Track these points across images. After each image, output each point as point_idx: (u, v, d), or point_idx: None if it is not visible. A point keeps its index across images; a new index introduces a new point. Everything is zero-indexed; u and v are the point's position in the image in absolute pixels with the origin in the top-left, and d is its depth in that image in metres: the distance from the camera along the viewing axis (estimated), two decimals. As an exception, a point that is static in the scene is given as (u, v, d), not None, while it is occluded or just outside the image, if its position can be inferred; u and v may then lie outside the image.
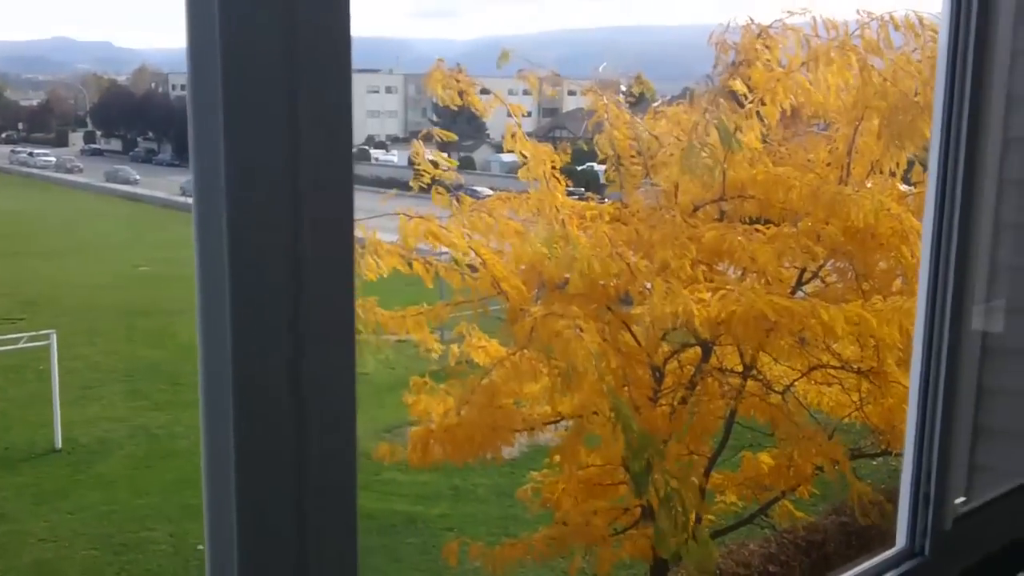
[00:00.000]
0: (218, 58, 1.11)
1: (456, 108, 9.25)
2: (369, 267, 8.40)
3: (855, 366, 9.05)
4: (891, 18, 8.15)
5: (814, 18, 8.26)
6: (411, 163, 9.06)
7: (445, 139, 9.50)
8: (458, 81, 9.09)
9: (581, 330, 7.63)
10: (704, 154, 8.21)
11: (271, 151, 1.15)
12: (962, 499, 2.63)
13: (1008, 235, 3.05)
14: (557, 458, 9.20)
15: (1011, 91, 2.93)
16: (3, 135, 59.79)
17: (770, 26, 8.50)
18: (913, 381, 2.53)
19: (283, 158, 1.16)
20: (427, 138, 9.25)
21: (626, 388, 8.65)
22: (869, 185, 8.64)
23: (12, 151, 54.70)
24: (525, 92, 9.70)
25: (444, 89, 8.94)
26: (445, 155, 9.48)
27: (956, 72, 2.40)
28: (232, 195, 1.13)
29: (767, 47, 8.53)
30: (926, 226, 2.49)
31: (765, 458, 9.47)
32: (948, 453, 2.49)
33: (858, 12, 8.24)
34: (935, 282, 2.46)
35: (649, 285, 8.26)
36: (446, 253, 8.98)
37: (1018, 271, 3.12)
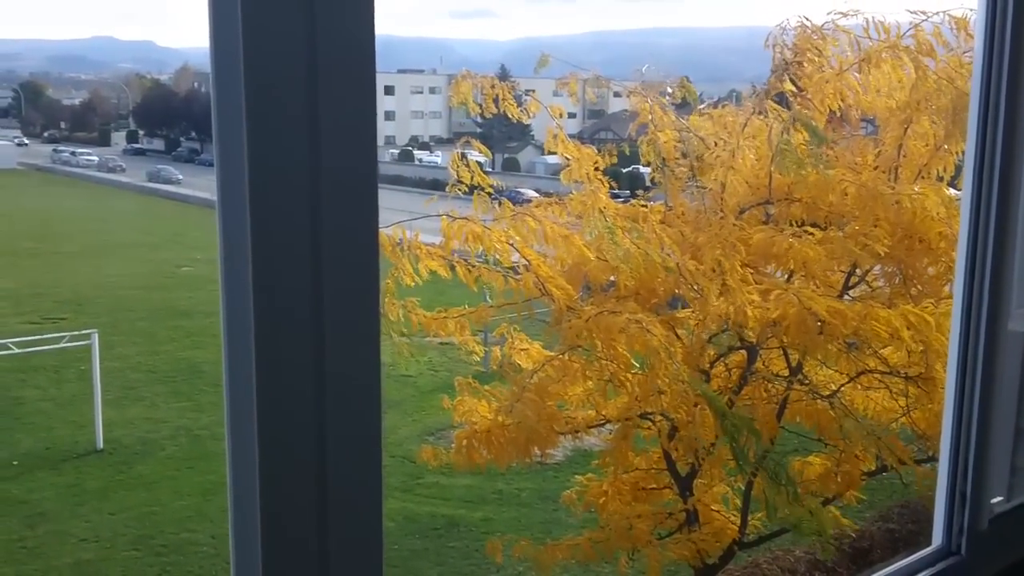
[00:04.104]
0: (240, 62, 1.11)
1: (499, 112, 9.22)
2: (406, 271, 8.41)
3: (903, 371, 8.94)
4: (947, 17, 8.04)
5: (866, 19, 8.17)
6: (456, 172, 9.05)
7: (483, 153, 9.48)
8: (493, 87, 9.06)
9: (640, 323, 7.66)
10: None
11: (293, 152, 1.16)
12: (999, 499, 2.60)
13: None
14: (608, 460, 9.17)
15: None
16: (45, 134, 60.26)
17: (822, 26, 8.43)
18: (950, 382, 2.54)
19: (306, 159, 1.16)
20: (467, 144, 9.24)
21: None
22: (917, 189, 8.54)
23: (54, 150, 55.14)
24: (570, 93, 9.66)
25: (473, 99, 8.93)
26: (488, 159, 9.46)
27: (992, 75, 2.38)
28: (255, 196, 1.14)
29: (818, 49, 8.46)
30: (962, 229, 2.48)
31: (816, 460, 9.38)
32: (984, 453, 2.49)
33: (911, 12, 8.14)
34: (971, 284, 2.45)
35: (696, 287, 8.22)
36: (481, 257, 8.97)
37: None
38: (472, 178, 8.84)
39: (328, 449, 1.23)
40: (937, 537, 2.55)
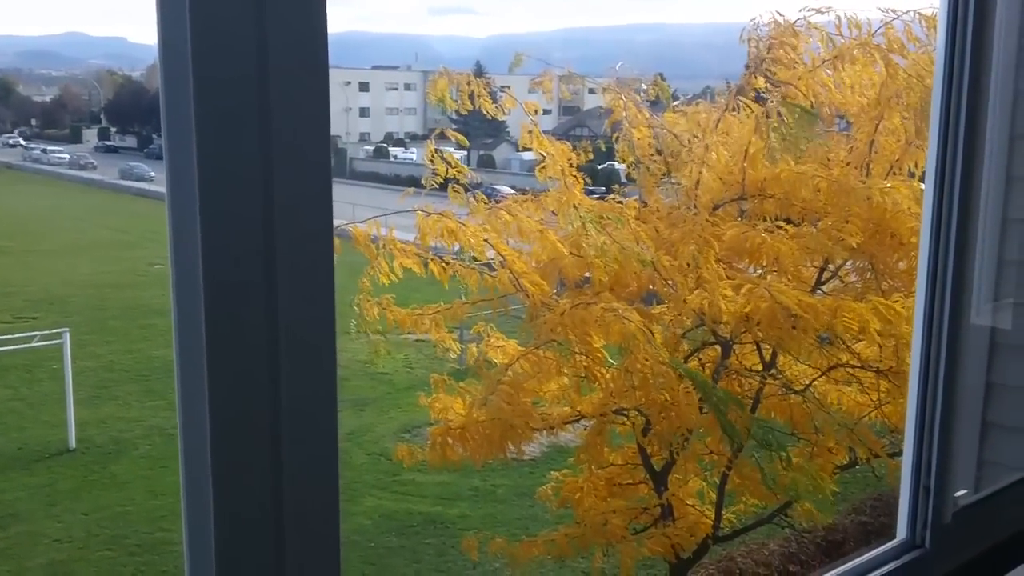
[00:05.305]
0: (188, 57, 1.09)
1: (474, 108, 9.23)
2: (382, 269, 8.41)
3: (874, 365, 9.01)
4: (917, 15, 8.12)
5: (838, 16, 8.24)
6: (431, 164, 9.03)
7: (460, 142, 9.47)
8: (469, 84, 9.07)
9: (616, 311, 7.70)
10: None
11: (243, 150, 1.14)
12: (964, 492, 2.63)
13: (1016, 231, 3.04)
14: (583, 456, 9.20)
15: (1019, 88, 2.91)
16: (16, 131, 59.88)
17: (795, 22, 8.49)
18: (913, 377, 2.54)
19: (257, 155, 1.14)
20: (442, 137, 9.23)
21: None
22: (888, 184, 8.61)
23: (25, 147, 54.82)
24: (545, 90, 9.68)
25: (449, 95, 8.94)
26: (464, 153, 9.47)
27: (953, 70, 2.41)
28: (204, 195, 1.12)
29: (791, 45, 8.53)
30: (924, 223, 2.50)
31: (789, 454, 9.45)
32: (948, 447, 2.51)
33: (882, 11, 8.22)
34: (934, 278, 2.47)
35: (671, 282, 8.26)
36: (457, 254, 8.97)
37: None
38: (447, 171, 8.83)
39: (283, 447, 1.21)
40: (901, 530, 2.57)
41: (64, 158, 51.77)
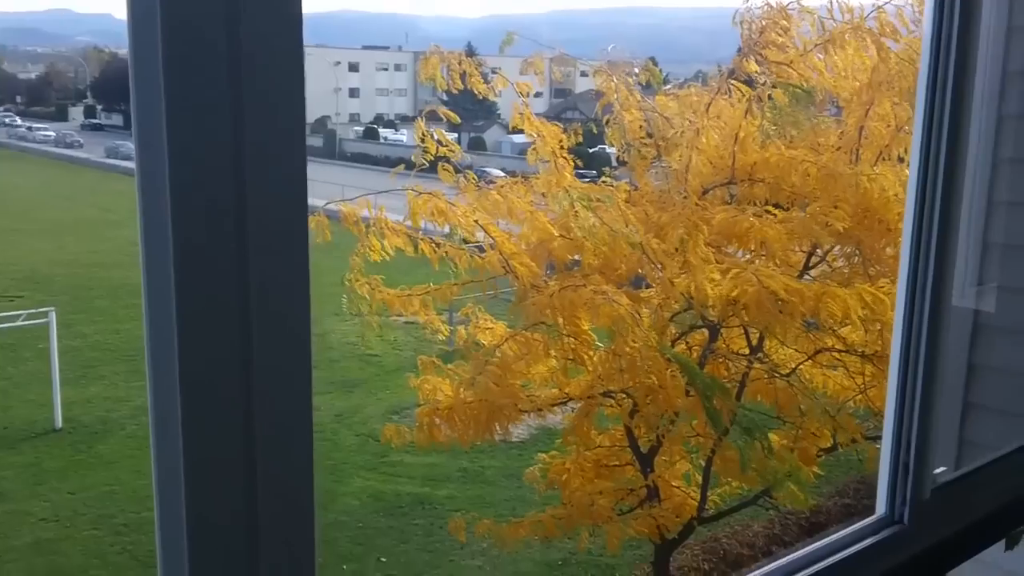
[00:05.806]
0: (158, 30, 1.07)
1: (465, 89, 9.20)
2: (373, 248, 8.39)
3: (860, 350, 9.06)
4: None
5: (830, 0, 8.24)
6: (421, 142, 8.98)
7: (451, 120, 9.44)
8: (460, 63, 9.05)
9: (606, 294, 7.72)
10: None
11: (214, 128, 1.12)
12: (943, 469, 2.66)
13: (1001, 214, 3.07)
14: (570, 438, 9.23)
15: (1006, 69, 2.93)
16: (2, 108, 59.42)
17: (787, 5, 8.49)
18: (894, 357, 2.56)
19: (229, 134, 1.12)
20: (432, 116, 9.20)
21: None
22: (877, 170, 8.64)
23: (10, 125, 54.41)
24: (536, 72, 9.65)
25: (440, 74, 8.92)
26: (455, 135, 9.44)
27: (940, 50, 2.41)
28: (174, 175, 1.10)
29: (783, 28, 8.53)
30: (908, 205, 2.50)
31: (773, 437, 9.51)
32: (927, 425, 2.53)
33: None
34: (916, 260, 2.48)
35: (660, 265, 8.28)
36: (447, 236, 8.95)
37: (1010, 250, 3.14)
38: (438, 149, 8.81)
39: (256, 423, 1.19)
40: (880, 506, 2.59)
41: (50, 136, 51.41)
